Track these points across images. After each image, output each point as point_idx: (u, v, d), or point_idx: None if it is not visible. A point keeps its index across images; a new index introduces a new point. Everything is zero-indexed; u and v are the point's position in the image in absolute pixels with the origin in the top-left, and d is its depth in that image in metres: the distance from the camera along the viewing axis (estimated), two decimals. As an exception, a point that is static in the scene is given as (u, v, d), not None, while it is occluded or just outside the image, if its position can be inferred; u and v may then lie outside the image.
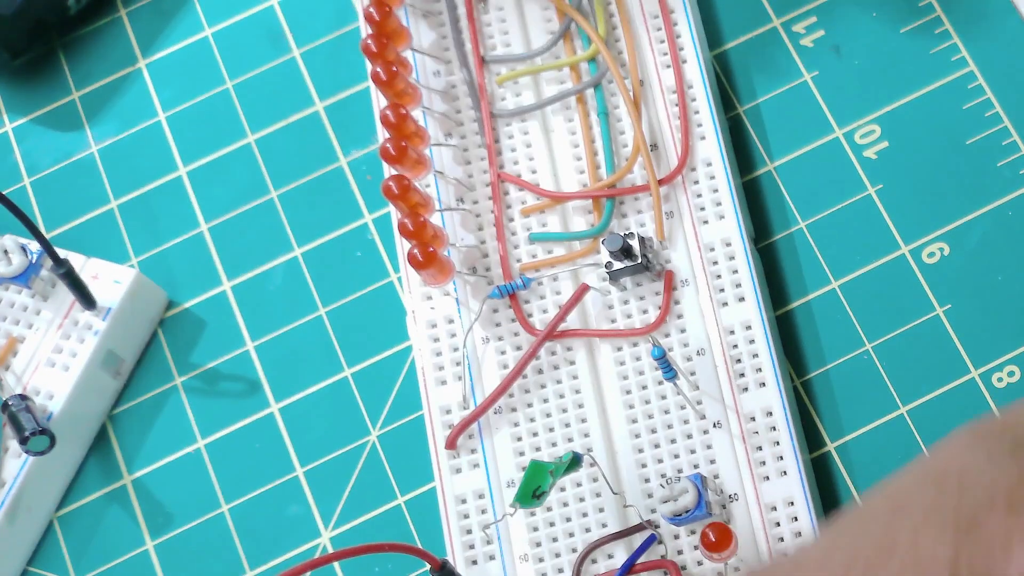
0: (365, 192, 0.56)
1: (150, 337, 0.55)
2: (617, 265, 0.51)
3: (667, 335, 0.51)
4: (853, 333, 0.52)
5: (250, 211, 0.57)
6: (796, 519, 0.48)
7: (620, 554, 0.48)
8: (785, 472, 0.48)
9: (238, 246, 0.56)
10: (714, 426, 0.49)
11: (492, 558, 0.49)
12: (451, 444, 0.50)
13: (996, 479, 0.35)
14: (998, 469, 0.35)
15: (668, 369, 0.48)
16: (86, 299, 0.53)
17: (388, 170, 0.53)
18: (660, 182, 0.52)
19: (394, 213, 0.53)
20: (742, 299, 0.51)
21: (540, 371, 0.51)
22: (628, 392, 0.50)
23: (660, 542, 0.48)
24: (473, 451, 0.50)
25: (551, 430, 0.50)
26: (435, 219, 0.52)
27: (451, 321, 0.52)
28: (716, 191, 0.52)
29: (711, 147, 0.53)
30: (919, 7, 0.55)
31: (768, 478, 0.48)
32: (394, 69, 0.52)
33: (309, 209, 0.56)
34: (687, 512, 0.47)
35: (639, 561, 0.48)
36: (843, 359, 0.52)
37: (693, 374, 0.50)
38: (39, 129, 0.59)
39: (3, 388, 0.53)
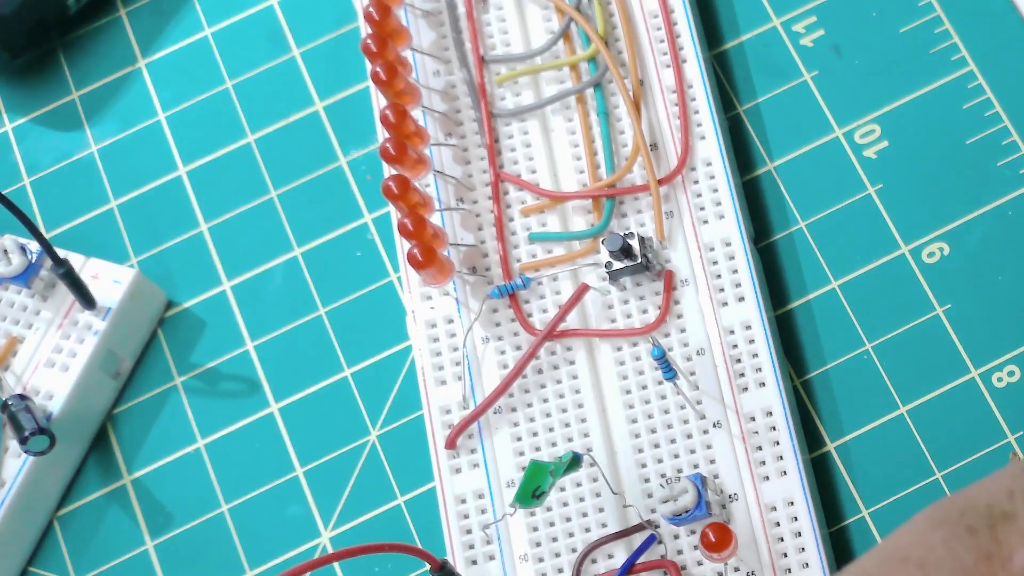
0: (365, 192, 0.56)
1: (150, 337, 0.55)
2: (617, 265, 0.51)
3: (667, 335, 0.51)
4: (853, 333, 0.52)
5: (250, 211, 0.57)
6: (796, 519, 0.48)
7: (620, 554, 0.48)
8: (785, 472, 0.48)
9: (238, 246, 0.56)
10: (714, 426, 0.49)
11: (492, 558, 0.49)
12: (451, 444, 0.50)
13: (953, 568, 0.38)
14: (954, 557, 0.38)
15: (668, 369, 0.48)
16: (86, 299, 0.53)
17: (388, 170, 0.53)
18: (660, 182, 0.52)
19: (394, 213, 0.53)
20: (742, 299, 0.51)
21: (540, 371, 0.51)
22: (628, 392, 0.50)
23: (660, 542, 0.48)
24: (473, 451, 0.50)
25: (551, 430, 0.50)
26: (435, 219, 0.52)
27: (451, 321, 0.52)
28: (716, 191, 0.52)
29: (711, 147, 0.53)
30: (919, 7, 0.55)
31: (768, 478, 0.48)
32: (394, 69, 0.52)
33: (309, 209, 0.56)
34: (687, 512, 0.47)
35: (639, 561, 0.48)
36: (843, 359, 0.52)
37: (693, 374, 0.50)
38: (39, 129, 0.59)
39: (3, 388, 0.53)
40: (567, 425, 0.50)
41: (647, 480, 0.49)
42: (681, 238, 0.52)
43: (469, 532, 0.49)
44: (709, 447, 0.49)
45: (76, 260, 0.54)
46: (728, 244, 0.51)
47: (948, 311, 0.52)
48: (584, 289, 0.51)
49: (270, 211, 0.57)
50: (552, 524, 0.49)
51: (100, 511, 0.53)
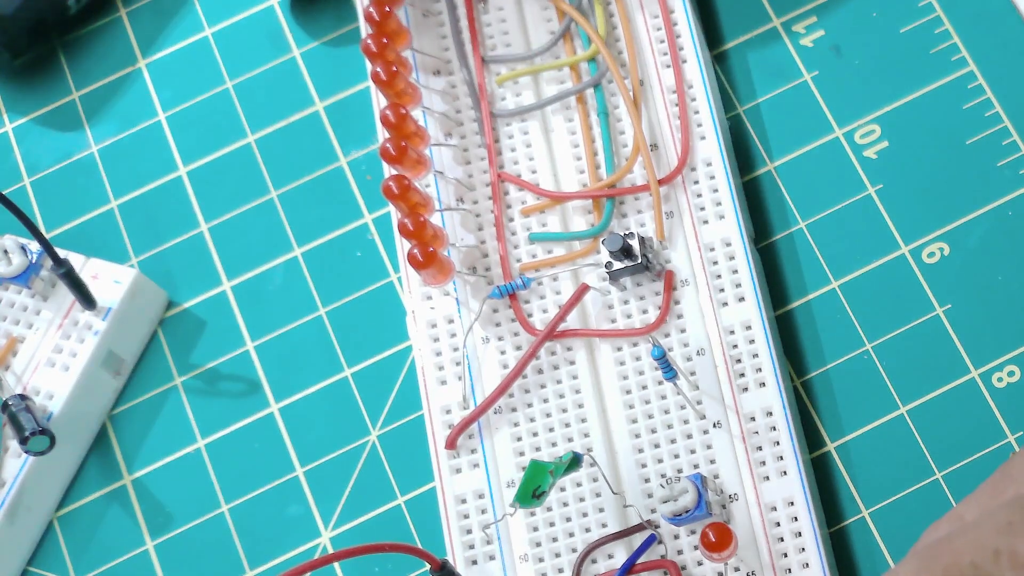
0: (365, 192, 0.56)
1: (150, 337, 0.55)
2: (617, 265, 0.51)
3: (667, 335, 0.51)
4: (853, 333, 0.52)
5: (250, 211, 0.57)
6: (796, 519, 0.48)
7: (620, 554, 0.48)
8: (785, 472, 0.48)
9: (238, 246, 0.56)
10: (714, 426, 0.49)
11: (492, 558, 0.49)
12: (451, 444, 0.50)
13: None
14: None
15: (668, 369, 0.48)
16: (86, 299, 0.53)
17: (388, 170, 0.53)
18: (660, 182, 0.52)
19: (394, 213, 0.53)
20: (742, 299, 0.51)
21: (540, 371, 0.51)
22: (628, 392, 0.50)
23: (660, 542, 0.48)
24: (473, 451, 0.50)
25: (551, 430, 0.50)
26: (435, 219, 0.52)
27: (451, 321, 0.52)
28: (716, 191, 0.52)
29: (711, 147, 0.53)
30: (919, 7, 0.55)
31: (768, 478, 0.48)
32: (394, 69, 0.52)
33: (309, 209, 0.56)
34: (687, 512, 0.47)
35: (639, 561, 0.48)
36: (843, 359, 0.52)
37: (693, 374, 0.50)
38: (39, 129, 0.59)
39: (3, 388, 0.53)
40: (567, 425, 0.50)
41: (647, 480, 0.49)
42: (681, 238, 0.52)
43: (469, 532, 0.49)
44: (709, 447, 0.49)
45: (76, 260, 0.54)
46: (728, 244, 0.51)
47: (948, 311, 0.52)
48: (584, 289, 0.51)
49: (270, 211, 0.57)
50: (552, 524, 0.49)
51: (100, 511, 0.53)
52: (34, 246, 0.53)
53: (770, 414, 0.49)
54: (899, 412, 0.51)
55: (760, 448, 0.49)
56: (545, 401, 0.51)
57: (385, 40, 0.53)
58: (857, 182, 0.54)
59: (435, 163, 0.54)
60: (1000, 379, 0.50)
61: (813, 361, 0.52)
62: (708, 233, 0.52)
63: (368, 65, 0.53)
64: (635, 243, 0.51)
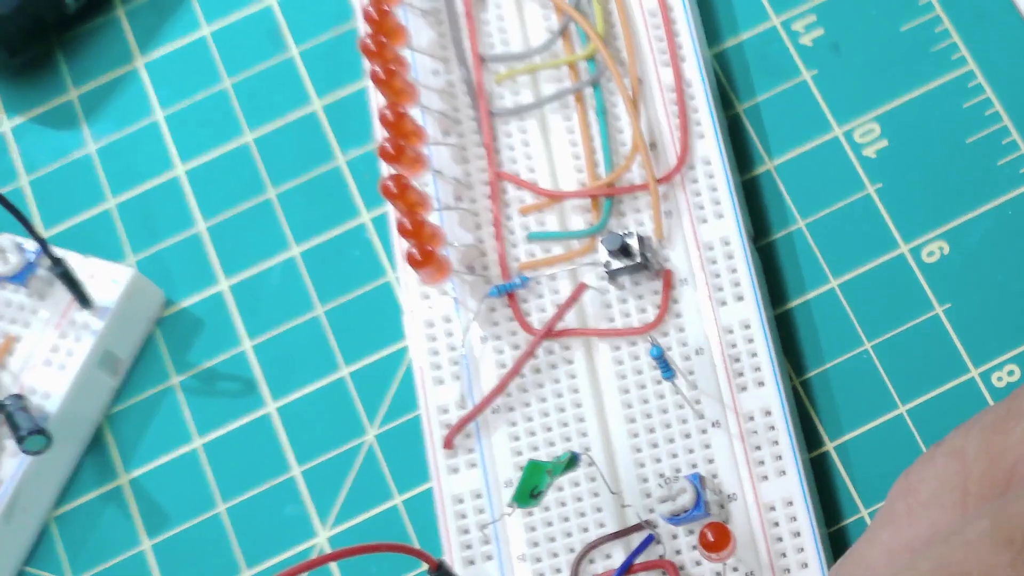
0: (363, 191, 0.56)
1: (147, 336, 0.55)
2: (615, 264, 0.51)
3: (665, 334, 0.51)
4: (852, 332, 0.52)
5: (248, 210, 0.57)
6: (795, 519, 0.48)
7: (618, 554, 0.48)
8: (784, 472, 0.48)
9: (236, 245, 0.56)
10: (713, 426, 0.49)
11: (489, 558, 0.49)
12: (448, 444, 0.50)
13: None
14: None
15: (666, 368, 0.48)
16: (83, 298, 0.53)
17: (386, 169, 0.53)
18: (659, 181, 0.52)
19: (392, 212, 0.53)
20: (741, 298, 0.51)
21: (538, 370, 0.51)
22: (626, 392, 0.50)
23: (658, 542, 0.48)
24: (470, 451, 0.50)
25: (549, 430, 0.50)
26: (433, 218, 0.52)
27: (449, 320, 0.52)
28: (715, 190, 0.52)
29: (710, 146, 0.53)
30: (919, 6, 0.55)
31: (767, 478, 0.48)
32: (392, 68, 0.52)
33: (307, 208, 0.56)
34: (685, 512, 0.47)
35: (637, 561, 0.48)
36: (842, 358, 0.51)
37: (692, 373, 0.50)
38: (36, 128, 0.59)
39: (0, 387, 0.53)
40: (565, 425, 0.50)
41: (645, 480, 0.49)
42: (680, 237, 0.52)
43: (466, 532, 0.49)
44: (708, 447, 0.49)
45: (73, 259, 0.54)
46: (727, 243, 0.51)
47: (948, 311, 0.52)
48: (582, 288, 0.51)
49: (268, 210, 0.56)
50: (550, 524, 0.49)
51: (97, 511, 0.53)
52: (31, 245, 0.53)
53: (769, 414, 0.49)
54: (899, 412, 0.51)
55: (759, 448, 0.49)
56: (543, 401, 0.51)
57: (383, 39, 0.53)
58: (856, 181, 0.54)
59: (433, 162, 0.54)
60: (1000, 379, 0.50)
61: (812, 360, 0.52)
62: (707, 232, 0.52)
63: (366, 64, 0.53)
64: (634, 242, 0.51)
